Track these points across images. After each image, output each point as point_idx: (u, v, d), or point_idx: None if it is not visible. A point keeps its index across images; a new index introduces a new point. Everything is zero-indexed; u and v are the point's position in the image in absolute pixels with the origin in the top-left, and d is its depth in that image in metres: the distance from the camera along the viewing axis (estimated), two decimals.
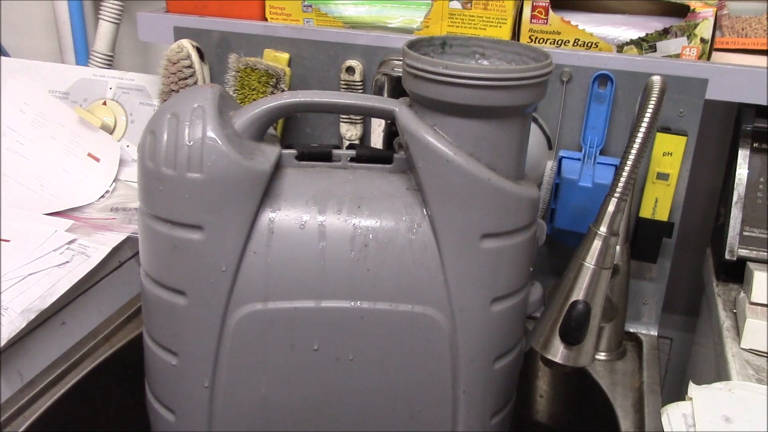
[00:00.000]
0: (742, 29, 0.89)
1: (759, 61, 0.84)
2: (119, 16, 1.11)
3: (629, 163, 0.64)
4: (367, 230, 0.63)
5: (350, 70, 0.90)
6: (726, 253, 0.85)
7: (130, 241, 0.89)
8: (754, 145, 0.86)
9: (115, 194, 1.01)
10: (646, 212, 0.85)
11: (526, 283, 0.68)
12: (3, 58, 1.10)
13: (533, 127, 0.86)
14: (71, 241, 0.84)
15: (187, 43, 0.92)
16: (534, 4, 0.86)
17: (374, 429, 0.67)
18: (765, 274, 0.79)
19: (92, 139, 1.03)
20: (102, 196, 0.99)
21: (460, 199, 0.61)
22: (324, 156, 0.68)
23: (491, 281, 0.64)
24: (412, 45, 0.63)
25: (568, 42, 0.86)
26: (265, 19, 0.94)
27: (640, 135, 0.64)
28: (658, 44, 0.84)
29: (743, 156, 0.86)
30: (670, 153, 0.83)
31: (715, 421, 0.59)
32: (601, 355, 0.87)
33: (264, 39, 0.92)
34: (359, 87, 0.90)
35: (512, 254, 0.64)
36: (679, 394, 0.66)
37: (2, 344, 0.71)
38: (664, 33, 0.84)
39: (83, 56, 1.18)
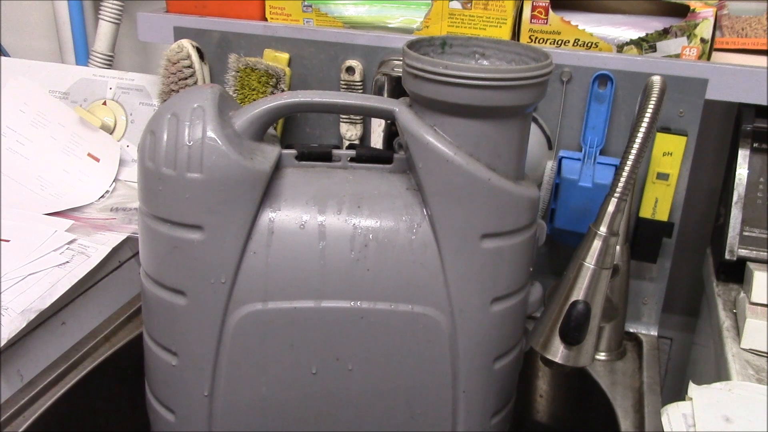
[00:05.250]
0: (742, 29, 0.89)
1: (759, 61, 0.84)
2: (119, 16, 1.11)
3: (629, 163, 0.64)
4: (367, 230, 0.63)
5: (350, 70, 0.90)
6: (726, 253, 0.85)
7: (130, 241, 0.89)
8: (754, 145, 0.86)
9: (115, 194, 1.01)
10: (646, 212, 0.85)
11: (526, 283, 0.68)
12: (3, 58, 1.10)
13: (533, 127, 0.86)
14: (71, 241, 0.84)
15: (187, 43, 0.92)
16: (534, 4, 0.86)
17: (374, 429, 0.67)
18: (765, 274, 0.79)
19: (92, 139, 1.03)
20: (102, 196, 0.99)
21: (460, 199, 0.62)
22: (324, 156, 0.68)
23: (491, 281, 0.64)
24: (412, 45, 0.63)
25: (568, 42, 0.86)
26: (265, 19, 0.94)
27: (640, 135, 0.64)
28: (658, 44, 0.84)
29: (743, 156, 0.86)
30: (670, 153, 0.83)
31: (715, 421, 0.59)
32: (601, 355, 0.87)
33: (264, 39, 0.92)
34: (359, 87, 0.90)
35: (512, 254, 0.64)
36: (679, 394, 0.66)
37: (2, 344, 0.71)
38: (664, 33, 0.84)
39: (83, 56, 1.18)
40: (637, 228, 0.86)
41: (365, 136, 0.93)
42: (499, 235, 0.63)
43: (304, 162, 0.67)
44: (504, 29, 0.87)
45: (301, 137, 0.96)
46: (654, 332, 0.92)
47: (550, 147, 0.87)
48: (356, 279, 0.63)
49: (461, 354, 0.65)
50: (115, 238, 0.87)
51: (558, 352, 0.67)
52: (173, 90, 0.93)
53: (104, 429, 0.83)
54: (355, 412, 0.67)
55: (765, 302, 0.77)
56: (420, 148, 0.61)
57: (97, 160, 1.03)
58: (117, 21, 1.11)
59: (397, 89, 0.86)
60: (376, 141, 0.89)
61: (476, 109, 0.59)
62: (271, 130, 0.67)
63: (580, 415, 0.91)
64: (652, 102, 0.64)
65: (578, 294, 0.66)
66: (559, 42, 0.87)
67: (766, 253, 0.84)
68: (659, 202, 0.84)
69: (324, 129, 0.94)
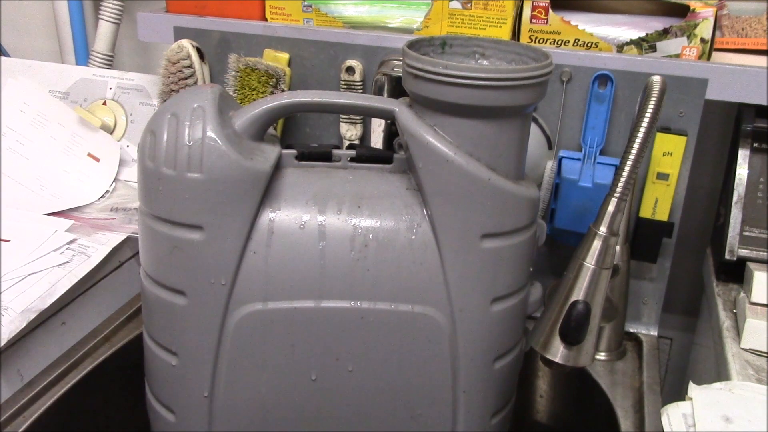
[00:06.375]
0: (742, 29, 0.89)
1: (759, 61, 0.84)
2: (119, 16, 1.11)
3: (629, 163, 0.64)
4: (367, 230, 0.63)
5: (350, 70, 0.90)
6: (726, 253, 0.85)
7: (130, 241, 0.89)
8: (754, 145, 0.86)
9: (115, 194, 1.01)
10: (646, 212, 0.85)
11: (526, 283, 0.68)
12: (3, 58, 1.10)
13: (533, 127, 0.86)
14: (71, 241, 0.84)
15: (187, 43, 0.92)
16: (534, 4, 0.86)
17: (374, 429, 0.67)
18: (765, 274, 0.79)
19: (92, 139, 1.03)
20: (102, 196, 0.99)
21: (460, 199, 0.62)
22: (324, 156, 0.68)
23: (491, 281, 0.64)
24: (412, 45, 0.63)
25: (568, 42, 0.86)
26: (265, 19, 0.94)
27: (640, 135, 0.64)
28: (658, 44, 0.84)
29: (743, 156, 0.86)
30: (670, 153, 0.83)
31: (715, 421, 0.59)
32: (601, 355, 0.87)
33: (264, 39, 0.92)
34: (359, 87, 0.90)
35: (512, 254, 0.64)
36: (679, 394, 0.66)
37: (2, 344, 0.71)
38: (664, 33, 0.84)
39: (83, 56, 1.18)
40: (637, 228, 0.86)
41: (365, 136, 0.93)
42: (499, 235, 0.63)
43: (304, 162, 0.67)
44: (504, 29, 0.87)
45: (301, 137, 0.96)
46: (654, 332, 0.92)
47: (550, 147, 0.87)
48: (356, 279, 0.63)
49: (461, 354, 0.65)
50: (115, 238, 0.87)
51: (558, 352, 0.67)
52: (173, 90, 0.93)
53: (104, 429, 0.83)
54: (355, 412, 0.67)
55: (765, 302, 0.77)
56: (420, 148, 0.61)
57: (97, 160, 1.03)
58: (117, 21, 1.11)
59: (397, 89, 0.86)
60: (376, 141, 0.89)
61: (476, 109, 0.59)
62: (271, 130, 0.67)
63: (580, 415, 0.91)
64: (652, 102, 0.64)
65: (578, 294, 0.66)
66: (559, 42, 0.87)
67: (766, 253, 0.84)
68: (659, 202, 0.84)
69: (324, 129, 0.94)
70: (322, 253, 0.63)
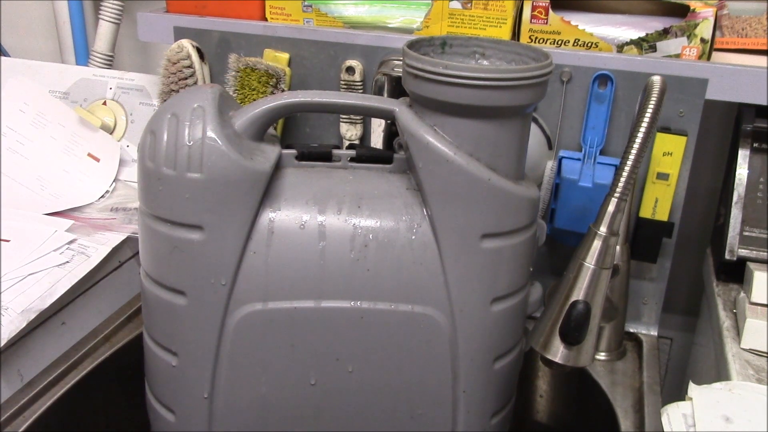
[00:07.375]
0: (742, 29, 0.89)
1: (759, 61, 0.84)
2: (119, 16, 1.11)
3: (629, 163, 0.64)
4: (367, 230, 0.63)
5: (350, 70, 0.90)
6: (726, 253, 0.85)
7: (130, 241, 0.89)
8: (754, 145, 0.86)
9: (115, 194, 1.01)
10: (646, 212, 0.85)
11: (526, 283, 0.68)
12: (3, 58, 1.10)
13: (533, 127, 0.86)
14: (71, 241, 0.84)
15: (187, 43, 0.92)
16: (534, 4, 0.86)
17: (374, 429, 0.67)
18: (765, 274, 0.79)
19: (92, 139, 1.03)
20: (102, 196, 0.99)
21: (460, 199, 0.62)
22: (324, 156, 0.68)
23: (491, 281, 0.64)
24: (412, 45, 0.63)
25: (568, 42, 0.86)
26: (265, 19, 0.94)
27: (640, 135, 0.64)
28: (658, 44, 0.84)
29: (743, 156, 0.86)
30: (670, 153, 0.83)
31: (715, 421, 0.59)
32: (601, 355, 0.87)
33: (264, 39, 0.92)
34: (359, 87, 0.90)
35: (512, 254, 0.64)
36: (679, 394, 0.66)
37: (2, 344, 0.71)
38: (664, 33, 0.84)
39: (83, 56, 1.18)
40: (637, 228, 0.86)
41: (365, 136, 0.93)
42: (499, 235, 0.63)
43: (304, 162, 0.67)
44: (504, 29, 0.87)
45: (301, 137, 0.96)
46: (654, 332, 0.92)
47: (550, 147, 0.87)
48: (356, 279, 0.63)
49: (461, 354, 0.65)
50: (115, 238, 0.87)
51: (558, 352, 0.67)
52: (173, 90, 0.93)
53: (104, 429, 0.83)
54: (356, 412, 0.67)
55: (765, 302, 0.77)
56: (420, 148, 0.61)
57: (97, 160, 1.03)
58: (117, 21, 1.11)
59: (397, 89, 0.86)
60: (376, 141, 0.89)
61: (476, 109, 0.59)
62: (271, 130, 0.67)
63: (580, 415, 0.91)
64: (652, 102, 0.64)
65: (578, 294, 0.66)
66: (559, 42, 0.87)
67: (766, 253, 0.84)
68: (659, 202, 0.84)
69: (324, 129, 0.94)
70: (322, 253, 0.63)
